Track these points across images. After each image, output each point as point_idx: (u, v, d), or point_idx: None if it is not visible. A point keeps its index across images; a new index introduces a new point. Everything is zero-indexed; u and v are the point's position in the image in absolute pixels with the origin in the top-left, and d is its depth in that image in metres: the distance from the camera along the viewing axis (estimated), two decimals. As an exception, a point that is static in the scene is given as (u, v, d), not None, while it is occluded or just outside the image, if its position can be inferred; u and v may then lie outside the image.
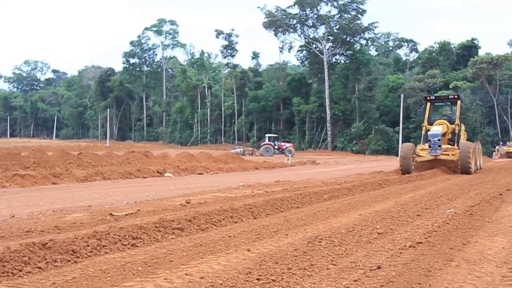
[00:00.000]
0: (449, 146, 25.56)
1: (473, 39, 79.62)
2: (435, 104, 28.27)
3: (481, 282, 5.76)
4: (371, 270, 6.04)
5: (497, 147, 59.49)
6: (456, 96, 27.69)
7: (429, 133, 25.06)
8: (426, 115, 26.91)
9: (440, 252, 6.98)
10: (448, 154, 24.92)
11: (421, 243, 7.50)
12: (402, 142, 45.57)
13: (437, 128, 25.24)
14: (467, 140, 28.87)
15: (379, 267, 6.12)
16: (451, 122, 26.24)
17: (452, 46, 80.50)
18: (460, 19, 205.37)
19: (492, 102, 67.48)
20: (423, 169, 24.85)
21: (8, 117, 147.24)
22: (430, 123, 26.50)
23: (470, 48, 77.44)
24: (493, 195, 14.35)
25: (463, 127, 28.32)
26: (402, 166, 24.75)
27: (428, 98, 28.39)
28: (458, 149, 24.89)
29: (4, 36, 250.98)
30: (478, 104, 66.84)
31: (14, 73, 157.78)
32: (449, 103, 28.05)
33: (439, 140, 24.36)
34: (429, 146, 24.75)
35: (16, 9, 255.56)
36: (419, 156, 25.44)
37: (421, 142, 27.15)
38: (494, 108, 67.43)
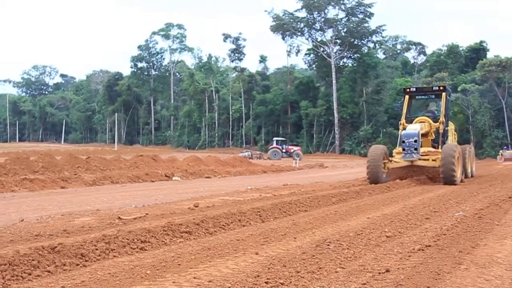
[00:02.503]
0: (432, 149, 21.35)
1: (481, 41, 79.40)
2: (417, 97, 23.87)
3: (491, 285, 5.72)
4: (379, 273, 6.02)
5: (501, 151, 59.48)
6: (441, 88, 22.90)
7: (403, 132, 20.80)
8: (404, 111, 22.42)
9: (449, 255, 6.95)
10: (427, 159, 20.58)
11: (430, 246, 7.47)
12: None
13: (414, 127, 21.02)
14: (465, 143, 27.27)
15: (387, 270, 6.09)
16: (436, 119, 22.05)
17: (461, 48, 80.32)
18: (468, 22, 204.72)
19: (501, 104, 67.23)
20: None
21: (17, 121, 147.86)
22: (411, 120, 22.35)
23: (478, 50, 77.16)
24: (503, 198, 14.29)
25: (452, 126, 24.59)
26: (369, 174, 20.09)
27: (408, 90, 23.82)
28: None
29: (13, 41, 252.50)
30: (486, 107, 66.64)
31: (22, 78, 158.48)
32: (433, 96, 23.69)
33: (415, 141, 20.09)
34: (403, 149, 20.39)
35: (24, 14, 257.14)
36: (391, 161, 21.16)
37: (398, 145, 22.10)
38: (503, 110, 67.16)
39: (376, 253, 7.10)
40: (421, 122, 21.72)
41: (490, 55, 77.19)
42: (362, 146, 76.97)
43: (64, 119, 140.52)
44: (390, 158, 21.16)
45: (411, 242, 7.87)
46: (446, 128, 22.18)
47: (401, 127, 21.59)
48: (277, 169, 35.47)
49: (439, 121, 21.69)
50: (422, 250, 7.24)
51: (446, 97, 22.12)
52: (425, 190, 17.20)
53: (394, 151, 21.87)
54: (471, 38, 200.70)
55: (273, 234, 8.64)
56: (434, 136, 21.92)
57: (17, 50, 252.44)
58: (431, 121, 21.89)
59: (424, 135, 21.45)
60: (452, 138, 23.80)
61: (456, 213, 11.11)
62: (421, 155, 20.41)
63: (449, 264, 6.47)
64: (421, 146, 20.81)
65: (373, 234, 8.55)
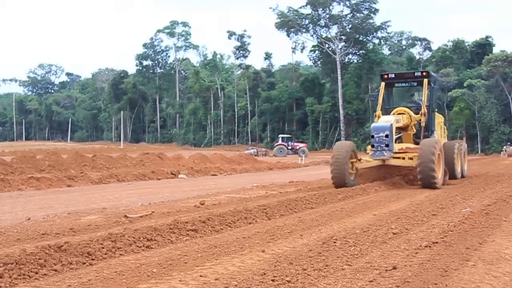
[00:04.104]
0: (412, 146, 18.22)
1: (487, 36, 78.95)
2: (397, 85, 20.64)
3: (499, 282, 5.68)
4: (386, 270, 6.00)
5: (504, 147, 59.39)
6: (424, 73, 19.58)
7: (372, 125, 17.75)
8: (380, 100, 19.39)
9: (456, 252, 6.92)
10: (403, 158, 17.31)
11: (437, 243, 7.44)
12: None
13: (386, 119, 17.73)
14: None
15: (394, 268, 6.07)
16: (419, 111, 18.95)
17: (466, 44, 79.92)
18: (474, 17, 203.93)
19: (507, 99, 66.96)
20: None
21: (23, 120, 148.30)
22: (390, 112, 19.21)
23: (484, 46, 76.76)
24: (510, 193, 14.22)
25: (440, 118, 21.69)
26: (334, 177, 17.07)
27: (386, 76, 20.43)
28: None
29: (18, 40, 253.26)
30: (493, 102, 66.40)
31: (29, 76, 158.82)
32: (415, 84, 20.21)
33: (386, 136, 16.70)
34: (372, 146, 17.15)
35: (30, 13, 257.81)
36: (360, 161, 18.13)
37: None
38: (509, 105, 66.89)
39: (383, 250, 7.08)
40: (400, 113, 18.70)
41: (496, 50, 76.85)
42: (367, 143, 76.66)
43: (70, 118, 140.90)
44: (360, 157, 18.29)
45: (418, 239, 7.84)
46: (431, 121, 19.29)
47: (376, 119, 18.45)
48: (282, 166, 35.45)
49: (420, 112, 18.73)
50: (429, 247, 7.21)
51: (429, 84, 19.20)
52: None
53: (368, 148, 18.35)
54: (477, 33, 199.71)
55: (279, 232, 8.63)
56: (415, 130, 19.04)
57: (23, 49, 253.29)
58: (412, 113, 18.87)
59: (404, 128, 18.75)
60: (440, 133, 21.17)
61: (463, 209, 11.06)
62: (397, 153, 17.24)
63: (457, 260, 6.44)
64: (401, 142, 18.70)
65: (379, 231, 8.53)
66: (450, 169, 19.08)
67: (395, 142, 17.75)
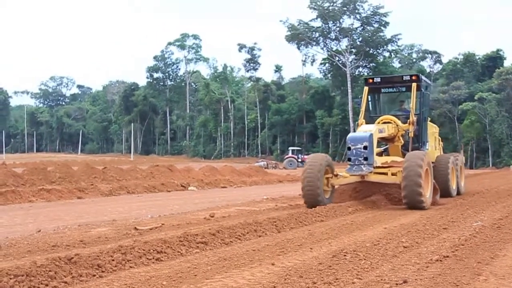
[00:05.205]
0: (399, 159, 15.65)
1: (498, 50, 78.85)
2: (383, 91, 18.20)
3: (511, 297, 5.64)
4: (397, 284, 5.96)
5: None
6: (414, 77, 17.15)
7: (348, 136, 15.38)
8: (363, 108, 17.07)
9: (467, 266, 6.87)
10: (385, 173, 15.02)
11: (448, 256, 7.38)
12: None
13: (366, 128, 15.49)
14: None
15: (405, 282, 6.03)
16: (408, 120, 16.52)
17: (477, 57, 79.82)
18: (485, 30, 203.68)
19: (519, 113, 66.73)
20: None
21: (35, 132, 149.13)
22: (374, 120, 16.73)
23: (495, 59, 76.62)
24: (521, 207, 14.10)
25: (434, 129, 19.59)
26: (305, 195, 14.80)
27: (370, 80, 17.99)
28: None
29: (30, 52, 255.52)
30: (504, 116, 66.12)
31: (40, 89, 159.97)
32: (404, 89, 17.61)
33: (365, 148, 14.41)
34: (349, 160, 14.81)
35: (42, 26, 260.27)
36: (337, 176, 15.65)
37: None
38: (520, 119, 66.65)
39: (393, 264, 7.04)
40: (385, 122, 16.33)
41: (507, 63, 76.70)
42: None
43: (81, 130, 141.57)
44: (336, 172, 15.79)
45: (428, 253, 7.79)
46: (422, 131, 17.15)
47: (358, 128, 16.28)
48: (292, 179, 35.34)
49: (408, 121, 16.42)
50: (440, 260, 7.16)
51: (418, 89, 16.78)
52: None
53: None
54: (487, 47, 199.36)
55: (290, 245, 8.61)
56: (403, 142, 16.64)
57: (34, 62, 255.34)
58: (399, 122, 16.45)
59: (390, 139, 16.53)
60: (434, 145, 19.02)
61: (475, 223, 10.98)
62: (379, 167, 15.02)
63: (468, 275, 6.38)
64: (388, 155, 16.63)
65: (390, 244, 8.48)
66: (443, 185, 16.93)
67: (381, 155, 16.35)
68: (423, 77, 17.70)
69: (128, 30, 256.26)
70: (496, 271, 6.66)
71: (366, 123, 16.40)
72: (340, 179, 15.57)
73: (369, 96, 17.71)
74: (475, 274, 6.43)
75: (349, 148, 14.78)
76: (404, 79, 17.63)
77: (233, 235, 9.31)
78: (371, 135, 14.65)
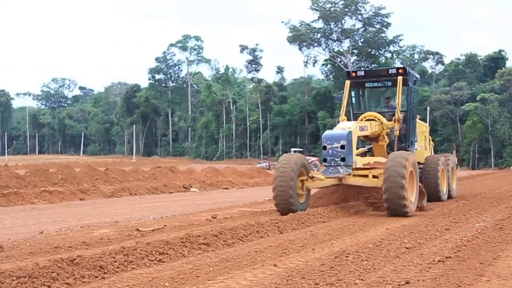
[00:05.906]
0: (382, 160, 14.01)
1: (500, 50, 78.80)
2: (368, 86, 16.70)
3: (513, 297, 5.63)
4: (399, 285, 5.96)
5: None
6: (400, 71, 15.60)
7: (324, 134, 13.92)
8: (344, 103, 15.76)
9: (470, 267, 6.86)
10: (366, 176, 13.62)
11: (450, 257, 7.37)
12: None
13: (344, 125, 14.09)
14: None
15: (407, 282, 6.03)
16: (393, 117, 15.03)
17: (479, 58, 79.79)
18: (487, 31, 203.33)
19: (521, 114, 66.65)
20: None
21: (37, 134, 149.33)
22: (356, 117, 15.72)
23: (497, 59, 76.57)
24: (524, 208, 14.07)
25: (423, 127, 18.37)
26: (277, 198, 13.38)
27: (353, 74, 16.73)
28: None
29: (32, 54, 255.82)
30: (506, 116, 66.05)
31: (42, 90, 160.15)
32: (390, 84, 16.01)
33: (342, 148, 12.98)
34: (325, 160, 13.35)
35: (44, 28, 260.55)
36: (312, 179, 13.96)
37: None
38: (523, 120, 66.58)
39: (395, 265, 7.04)
40: (368, 119, 14.97)
41: (509, 64, 76.67)
42: (380, 156, 76.44)
43: (83, 131, 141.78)
44: (312, 174, 14.22)
45: (431, 254, 7.79)
46: (410, 130, 15.81)
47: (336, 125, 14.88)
48: (294, 180, 35.31)
49: (393, 119, 14.92)
50: (443, 261, 7.15)
51: (405, 83, 15.43)
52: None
53: None
54: (489, 47, 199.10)
55: (292, 246, 8.60)
56: (388, 141, 15.22)
57: (36, 63, 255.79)
58: (384, 120, 15.04)
59: (374, 138, 15.15)
60: (424, 144, 17.84)
61: (477, 223, 10.97)
62: (359, 169, 13.70)
63: (470, 276, 6.38)
64: (372, 155, 15.37)
65: (392, 245, 8.48)
66: (432, 189, 16.00)
67: (366, 155, 15.24)
68: (411, 70, 16.45)
69: (130, 32, 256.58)
70: (498, 272, 6.65)
71: (348, 120, 15.30)
72: (315, 182, 13.98)
73: (352, 92, 16.50)
74: (478, 275, 6.42)
75: (324, 148, 13.31)
76: (389, 72, 16.07)
77: (235, 236, 9.31)
78: (350, 133, 13.24)
